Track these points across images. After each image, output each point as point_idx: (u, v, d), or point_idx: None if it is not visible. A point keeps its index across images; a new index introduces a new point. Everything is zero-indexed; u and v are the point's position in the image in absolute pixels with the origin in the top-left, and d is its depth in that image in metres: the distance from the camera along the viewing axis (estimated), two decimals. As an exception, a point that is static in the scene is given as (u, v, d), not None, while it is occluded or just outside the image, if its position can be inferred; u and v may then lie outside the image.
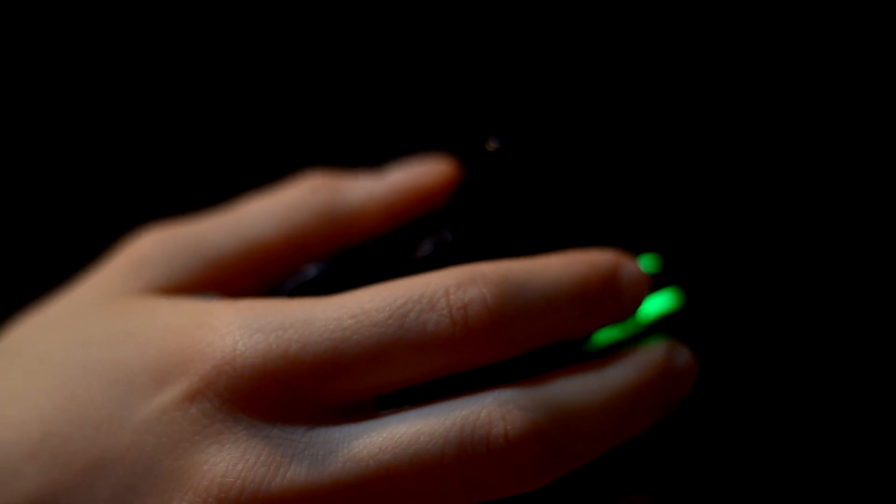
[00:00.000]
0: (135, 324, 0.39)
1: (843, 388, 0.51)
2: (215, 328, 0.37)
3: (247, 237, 0.42)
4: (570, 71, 0.54)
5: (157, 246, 0.41)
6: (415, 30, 0.58)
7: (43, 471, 0.37)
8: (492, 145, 0.41)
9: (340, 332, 0.37)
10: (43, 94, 0.61)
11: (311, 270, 0.42)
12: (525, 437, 0.36)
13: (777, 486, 0.51)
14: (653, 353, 0.39)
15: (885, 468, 0.51)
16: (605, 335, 0.41)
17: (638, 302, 0.40)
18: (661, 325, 0.41)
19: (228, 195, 0.45)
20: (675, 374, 0.39)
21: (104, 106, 0.61)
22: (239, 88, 0.60)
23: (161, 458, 0.36)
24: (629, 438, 0.38)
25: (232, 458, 0.36)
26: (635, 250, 0.41)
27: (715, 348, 0.45)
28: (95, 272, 0.42)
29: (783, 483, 0.51)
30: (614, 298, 0.39)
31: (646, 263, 0.41)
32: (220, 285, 0.41)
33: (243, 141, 0.60)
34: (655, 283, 0.41)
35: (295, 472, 0.36)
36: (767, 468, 0.51)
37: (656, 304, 0.41)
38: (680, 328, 0.41)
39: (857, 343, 0.51)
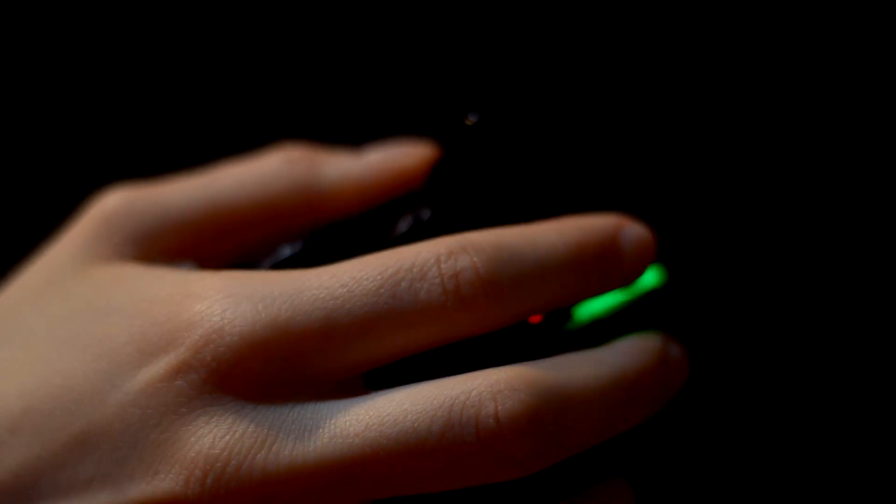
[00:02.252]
0: (119, 296, 0.38)
1: (822, 379, 0.51)
2: (203, 297, 0.37)
3: (218, 203, 0.41)
4: (548, 45, 0.54)
5: (123, 207, 0.41)
6: (392, 7, 0.57)
7: (26, 445, 0.36)
8: (471, 120, 0.41)
9: (331, 302, 0.36)
10: (9, 55, 0.61)
11: (286, 249, 0.42)
12: (516, 420, 0.35)
13: (754, 474, 0.51)
14: (648, 343, 0.38)
15: (862, 450, 0.50)
16: (587, 312, 0.40)
17: (641, 266, 0.39)
18: (643, 302, 0.41)
19: (201, 163, 0.44)
20: (670, 366, 0.38)
21: (74, 71, 0.61)
22: (219, 62, 0.60)
23: (147, 431, 0.36)
24: (622, 431, 0.37)
25: (219, 430, 0.35)
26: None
27: (696, 326, 0.44)
28: (63, 236, 0.41)
29: (760, 472, 0.51)
30: (614, 264, 0.38)
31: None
32: (192, 252, 0.41)
33: (220, 114, 0.59)
34: None
35: (281, 447, 0.35)
36: (744, 455, 0.51)
37: (637, 281, 0.41)
38: (662, 306, 0.41)
39: (838, 335, 0.51)
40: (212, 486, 0.35)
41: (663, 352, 0.38)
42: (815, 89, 0.51)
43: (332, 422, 0.35)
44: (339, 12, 0.58)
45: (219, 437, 0.35)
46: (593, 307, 0.40)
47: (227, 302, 0.36)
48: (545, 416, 0.35)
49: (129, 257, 0.40)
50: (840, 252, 0.51)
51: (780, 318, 0.51)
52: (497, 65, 0.55)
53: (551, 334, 0.40)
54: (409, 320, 0.36)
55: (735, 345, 0.50)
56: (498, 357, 0.38)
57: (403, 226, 0.40)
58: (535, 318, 0.39)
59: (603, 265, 0.38)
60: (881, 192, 0.51)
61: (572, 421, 0.36)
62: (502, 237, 0.38)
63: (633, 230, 0.39)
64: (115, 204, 0.41)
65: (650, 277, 0.41)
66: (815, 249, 0.51)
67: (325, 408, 0.36)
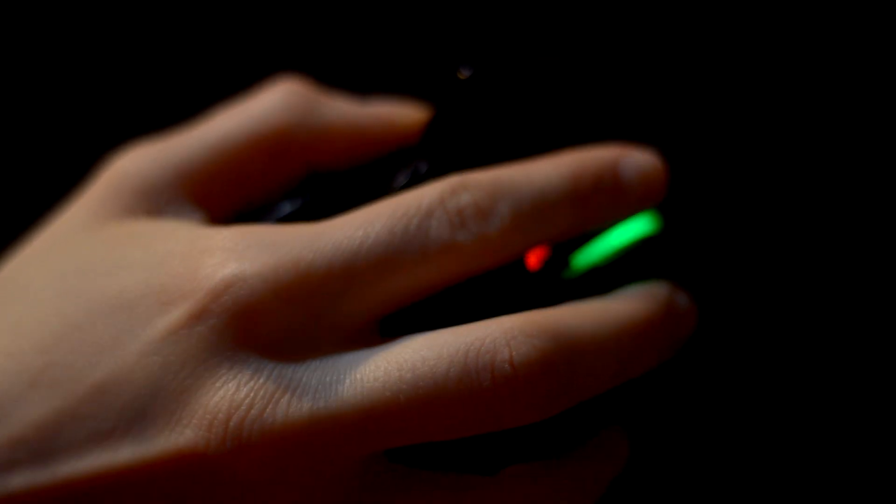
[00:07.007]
0: (133, 251, 0.38)
1: (825, 331, 0.51)
2: (221, 248, 0.37)
3: (219, 144, 0.41)
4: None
5: (132, 164, 0.41)
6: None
7: (46, 398, 0.36)
8: (464, 73, 0.41)
9: (349, 244, 0.37)
10: (16, 20, 0.61)
11: (287, 206, 0.42)
12: (530, 365, 0.35)
13: (748, 426, 0.51)
14: (656, 292, 0.39)
15: (863, 404, 0.51)
16: (585, 261, 0.40)
17: (648, 194, 0.40)
18: (640, 251, 0.41)
19: (203, 108, 0.44)
20: (679, 315, 0.39)
21: (82, 30, 0.61)
22: (218, 16, 0.60)
23: (168, 379, 0.36)
24: (633, 377, 0.38)
25: (242, 377, 0.36)
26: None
27: (693, 275, 0.45)
28: (79, 197, 0.42)
29: (761, 425, 0.51)
30: (613, 192, 0.39)
31: None
32: (199, 198, 0.41)
33: (219, 70, 0.60)
34: None
35: (302, 393, 0.36)
36: (737, 406, 0.51)
37: (633, 229, 0.41)
38: (657, 253, 0.41)
39: (844, 286, 0.51)
40: (234, 433, 0.35)
41: (671, 301, 0.39)
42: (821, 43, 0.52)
43: (352, 370, 0.36)
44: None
45: (243, 384, 0.36)
46: (590, 255, 0.41)
47: (247, 252, 0.37)
48: (558, 361, 0.36)
49: (139, 213, 0.40)
50: (843, 200, 0.51)
51: (777, 269, 0.51)
52: (489, 19, 0.55)
53: (549, 282, 0.40)
54: (423, 257, 0.37)
55: (732, 294, 0.51)
56: (497, 306, 0.38)
57: (401, 179, 0.41)
58: (534, 266, 0.40)
59: (602, 194, 0.39)
60: (879, 156, 0.51)
61: (584, 366, 0.36)
62: (499, 173, 0.39)
63: (634, 158, 0.40)
64: (125, 162, 0.41)
65: (646, 225, 0.41)
66: (817, 195, 0.51)
67: (345, 357, 0.36)
